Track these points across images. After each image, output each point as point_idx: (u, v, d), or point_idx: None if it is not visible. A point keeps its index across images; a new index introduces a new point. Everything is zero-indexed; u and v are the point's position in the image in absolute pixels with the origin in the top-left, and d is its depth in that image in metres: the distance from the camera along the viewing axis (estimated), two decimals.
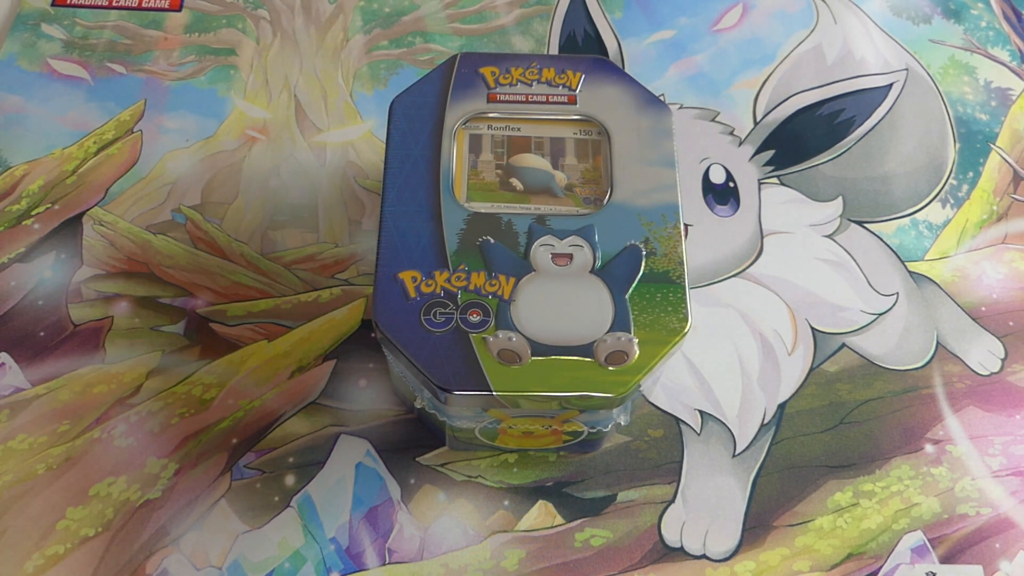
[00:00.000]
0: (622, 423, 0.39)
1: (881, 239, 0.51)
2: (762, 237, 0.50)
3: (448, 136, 0.39)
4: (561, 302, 0.35)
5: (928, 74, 0.56)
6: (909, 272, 0.50)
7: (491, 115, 0.41)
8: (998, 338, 0.48)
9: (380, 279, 0.36)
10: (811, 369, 0.47)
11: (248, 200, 0.52)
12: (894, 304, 0.48)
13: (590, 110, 0.41)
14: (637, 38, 0.58)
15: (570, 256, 0.36)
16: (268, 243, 0.50)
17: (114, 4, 0.60)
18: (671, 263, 0.36)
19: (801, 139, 0.54)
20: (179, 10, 0.59)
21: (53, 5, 0.59)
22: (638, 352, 0.34)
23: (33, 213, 0.51)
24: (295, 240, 0.50)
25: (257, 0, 0.60)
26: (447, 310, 0.35)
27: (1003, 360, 0.47)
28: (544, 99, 0.41)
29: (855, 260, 0.50)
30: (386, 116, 0.41)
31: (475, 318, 0.35)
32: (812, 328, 0.48)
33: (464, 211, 0.37)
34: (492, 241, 0.37)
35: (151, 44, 0.58)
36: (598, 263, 0.36)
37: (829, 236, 0.50)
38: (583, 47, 0.58)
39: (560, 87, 0.41)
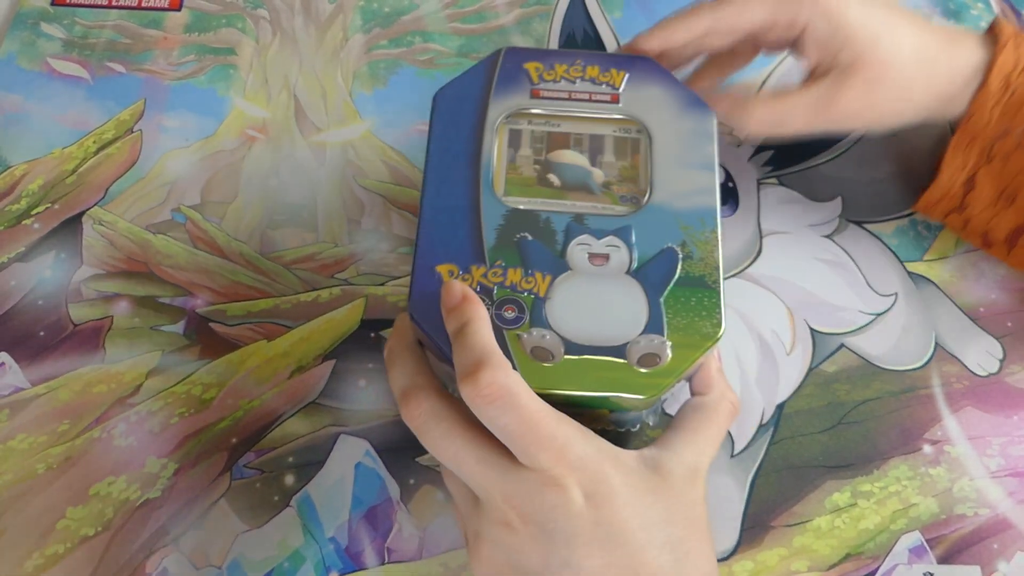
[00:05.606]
0: (651, 424, 0.39)
1: (880, 239, 0.51)
2: (761, 237, 0.50)
3: (490, 131, 0.39)
4: (596, 302, 0.35)
5: None
6: (908, 272, 0.50)
7: (534, 111, 0.41)
8: (996, 339, 0.48)
9: (418, 270, 0.36)
10: (809, 369, 0.47)
11: (247, 200, 0.52)
12: (893, 304, 0.49)
13: (633, 110, 0.40)
14: None
15: (607, 256, 0.36)
16: (267, 243, 0.50)
17: (114, 3, 0.59)
18: (707, 268, 0.36)
19: (800, 139, 0.53)
20: (179, 9, 0.59)
21: (53, 4, 0.59)
22: (671, 355, 0.34)
23: (33, 213, 0.51)
24: (294, 240, 0.50)
25: (257, 0, 0.60)
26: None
27: (1001, 361, 0.47)
28: (587, 96, 0.41)
29: (854, 260, 0.50)
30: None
31: (510, 314, 0.35)
32: (811, 328, 0.48)
33: (503, 207, 0.37)
34: (530, 238, 0.37)
35: (151, 43, 0.58)
36: (634, 264, 0.36)
37: (828, 236, 0.51)
38: (582, 47, 0.58)
39: (604, 85, 0.41)
